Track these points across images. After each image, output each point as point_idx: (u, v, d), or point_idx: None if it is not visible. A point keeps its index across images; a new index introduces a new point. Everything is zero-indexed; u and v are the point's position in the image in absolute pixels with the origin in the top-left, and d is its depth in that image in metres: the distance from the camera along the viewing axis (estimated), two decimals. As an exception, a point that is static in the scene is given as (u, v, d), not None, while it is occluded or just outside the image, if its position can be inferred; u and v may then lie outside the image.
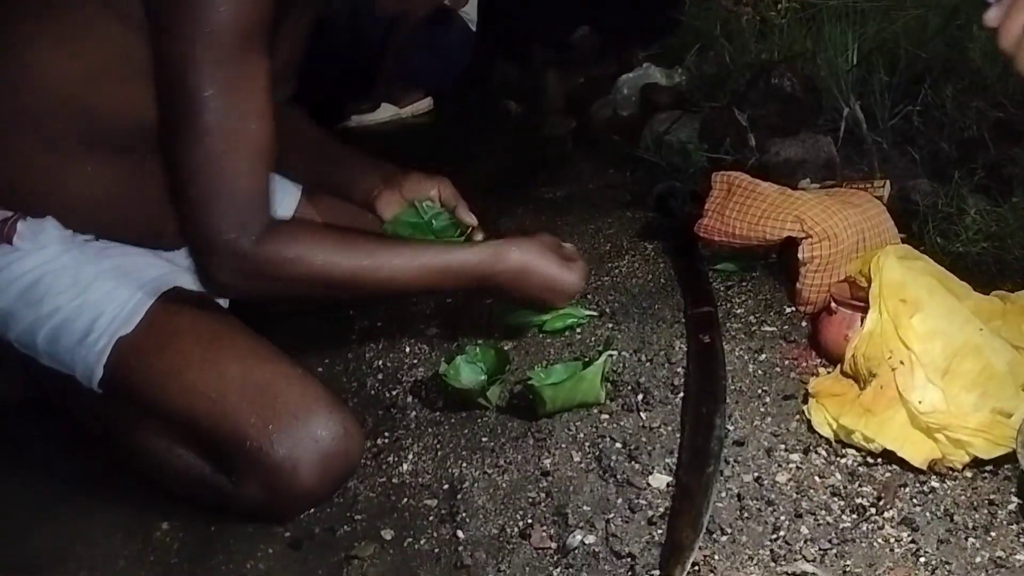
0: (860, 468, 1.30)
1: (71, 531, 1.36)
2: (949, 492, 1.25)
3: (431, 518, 1.31)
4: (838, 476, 1.29)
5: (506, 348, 1.59)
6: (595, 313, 1.70)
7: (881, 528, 1.20)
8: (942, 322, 1.37)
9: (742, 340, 1.60)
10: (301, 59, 1.47)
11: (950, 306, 1.40)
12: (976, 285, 1.52)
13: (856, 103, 2.13)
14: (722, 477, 1.29)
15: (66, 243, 1.37)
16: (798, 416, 1.40)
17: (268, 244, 1.28)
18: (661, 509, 1.25)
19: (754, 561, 1.16)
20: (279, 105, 1.31)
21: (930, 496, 1.24)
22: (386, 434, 1.48)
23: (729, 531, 1.20)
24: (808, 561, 1.15)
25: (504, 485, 1.34)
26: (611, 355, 1.48)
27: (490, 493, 1.33)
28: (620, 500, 1.27)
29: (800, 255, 1.63)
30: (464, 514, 1.30)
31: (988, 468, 1.28)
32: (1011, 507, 1.22)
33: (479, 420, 1.48)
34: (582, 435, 1.40)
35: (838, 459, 1.32)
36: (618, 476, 1.31)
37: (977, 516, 1.21)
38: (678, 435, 1.38)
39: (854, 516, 1.22)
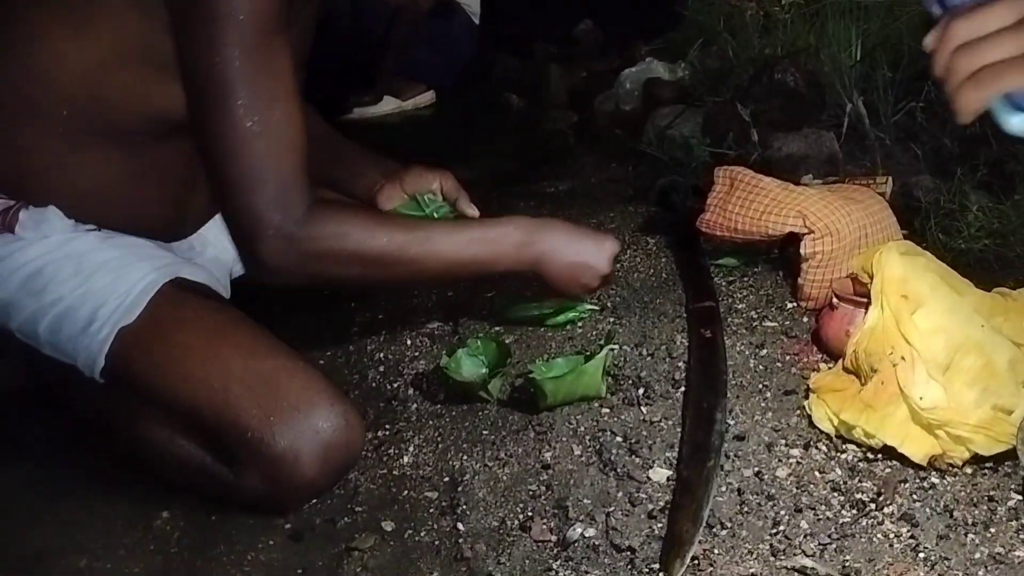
0: (860, 464, 1.30)
1: (72, 520, 1.36)
2: (949, 488, 1.25)
3: (432, 510, 1.31)
4: (838, 471, 1.29)
5: (507, 341, 1.59)
6: (596, 307, 1.70)
7: (881, 523, 1.20)
8: (943, 318, 1.37)
9: (743, 335, 1.61)
10: (309, 50, 1.46)
11: (952, 303, 1.40)
12: (978, 282, 1.52)
13: (859, 99, 2.13)
14: (722, 471, 1.29)
15: (68, 233, 1.36)
16: (799, 411, 1.40)
17: (314, 223, 1.28)
18: (661, 503, 1.25)
19: (754, 555, 1.16)
20: None
21: (930, 492, 1.24)
22: (387, 426, 1.48)
23: (729, 525, 1.21)
24: (808, 556, 1.15)
25: (505, 478, 1.34)
26: (612, 349, 1.48)
27: (491, 486, 1.33)
28: (620, 494, 1.27)
29: (802, 251, 1.63)
30: (465, 506, 1.30)
31: (988, 464, 1.28)
32: (1011, 503, 1.22)
33: (480, 413, 1.48)
34: (583, 429, 1.40)
35: (838, 454, 1.32)
36: (619, 470, 1.31)
37: (977, 512, 1.21)
38: (679, 429, 1.38)
39: (854, 511, 1.22)
